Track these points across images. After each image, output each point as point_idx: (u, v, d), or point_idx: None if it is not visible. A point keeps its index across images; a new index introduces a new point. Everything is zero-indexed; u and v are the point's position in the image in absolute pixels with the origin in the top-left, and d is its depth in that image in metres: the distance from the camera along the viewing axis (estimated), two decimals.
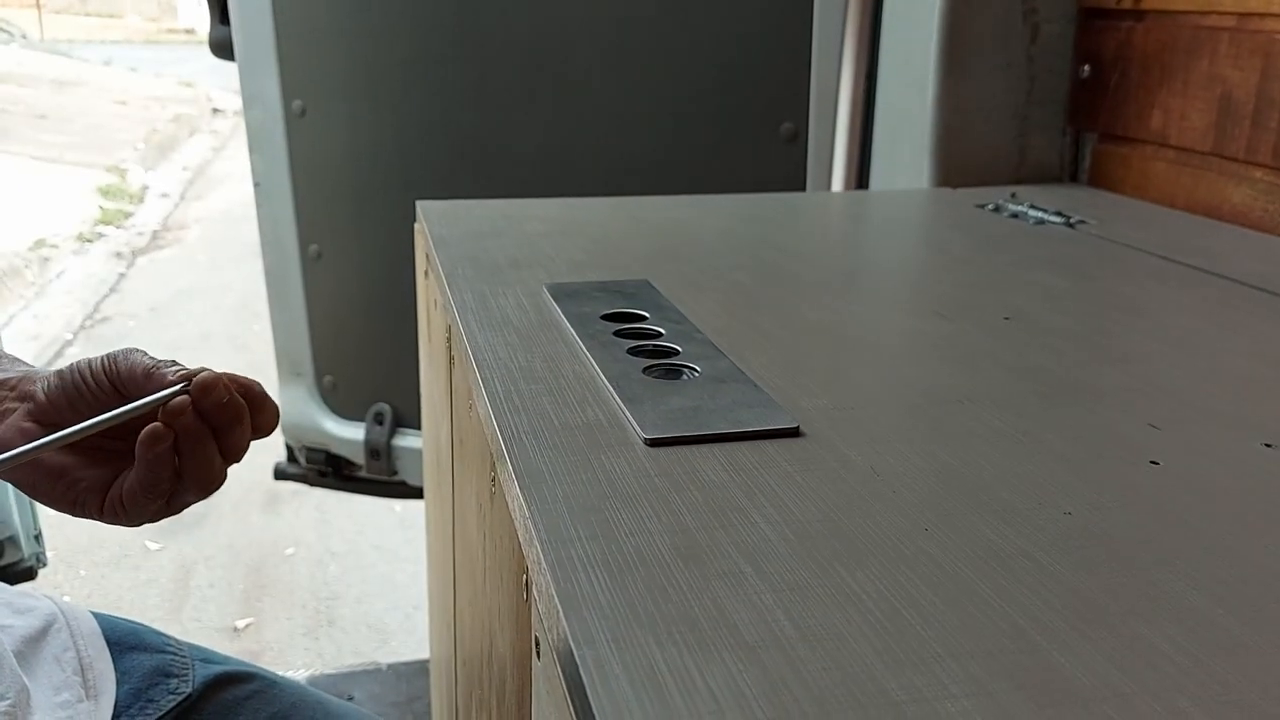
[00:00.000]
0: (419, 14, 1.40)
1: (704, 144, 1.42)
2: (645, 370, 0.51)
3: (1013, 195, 0.99)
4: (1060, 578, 0.34)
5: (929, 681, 0.28)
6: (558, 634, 0.31)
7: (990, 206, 0.94)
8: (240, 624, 1.99)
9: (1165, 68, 0.95)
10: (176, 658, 0.70)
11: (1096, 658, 0.29)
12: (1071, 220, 0.88)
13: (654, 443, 0.43)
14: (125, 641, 0.70)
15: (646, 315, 0.59)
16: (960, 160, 1.07)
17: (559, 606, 0.31)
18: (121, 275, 4.29)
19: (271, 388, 1.60)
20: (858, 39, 1.23)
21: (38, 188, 5.11)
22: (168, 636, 0.72)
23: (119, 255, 4.54)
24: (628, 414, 0.45)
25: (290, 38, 1.44)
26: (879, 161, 1.21)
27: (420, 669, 1.37)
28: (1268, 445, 0.45)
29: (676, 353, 0.53)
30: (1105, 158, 1.04)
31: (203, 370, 0.51)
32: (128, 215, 5.24)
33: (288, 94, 1.46)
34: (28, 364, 0.56)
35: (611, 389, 0.48)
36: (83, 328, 3.65)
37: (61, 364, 0.55)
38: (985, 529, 0.37)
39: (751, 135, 1.40)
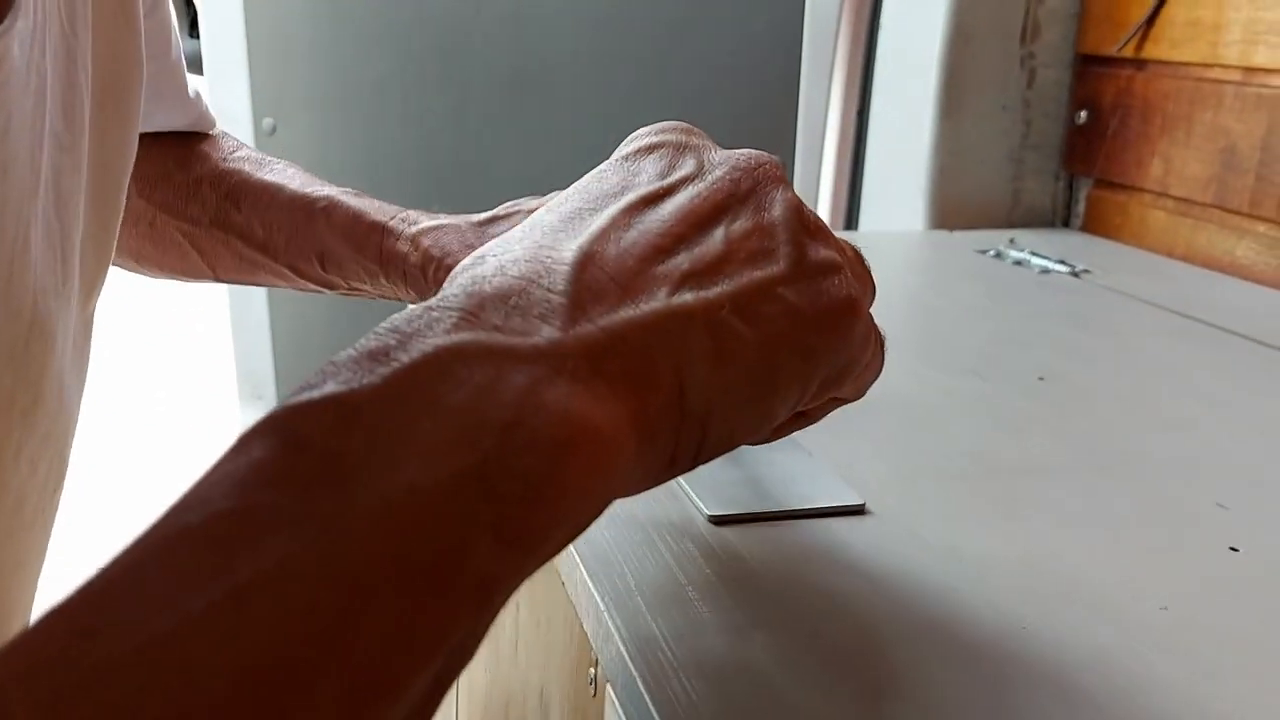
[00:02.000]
0: (394, 32, 1.37)
1: None
2: None
3: (1011, 241, 0.98)
4: (1176, 685, 0.32)
5: None
6: None
7: (991, 253, 0.94)
8: None
9: (1167, 117, 0.95)
10: None
11: None
12: (1076, 269, 0.87)
13: (719, 521, 0.41)
14: None
15: None
16: (954, 202, 1.06)
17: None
18: None
19: (232, 410, 1.54)
20: (847, 76, 1.22)
21: None
22: None
23: None
24: (684, 488, 0.43)
25: (262, 54, 1.40)
26: (870, 200, 1.20)
27: None
28: None
29: None
30: (1101, 204, 1.04)
31: None
32: None
33: (258, 111, 1.42)
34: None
35: None
36: None
37: None
38: (1085, 625, 0.35)
39: None
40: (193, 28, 1.47)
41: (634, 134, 0.33)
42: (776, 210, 0.30)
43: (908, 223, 1.10)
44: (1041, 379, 0.60)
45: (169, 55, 0.54)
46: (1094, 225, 1.05)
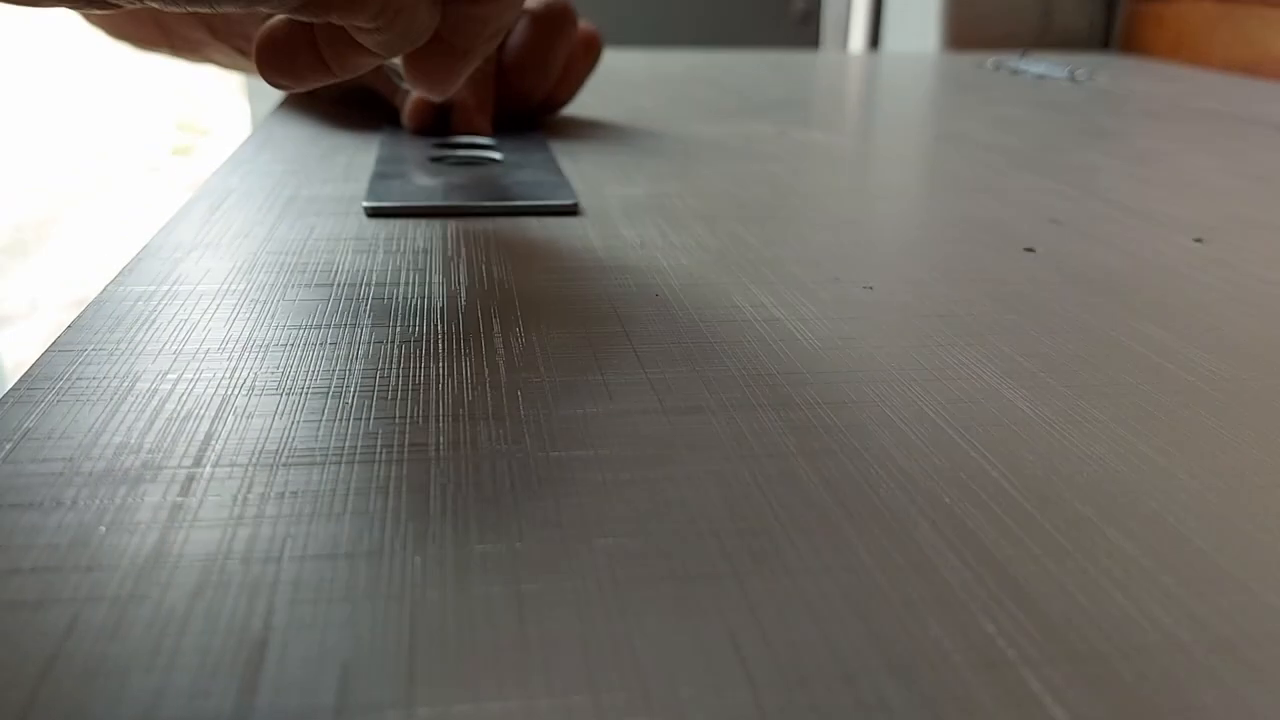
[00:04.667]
0: None
1: (716, 25, 1.31)
2: (433, 159, 0.41)
3: (1021, 55, 0.86)
4: (817, 352, 0.24)
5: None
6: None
7: (991, 65, 0.82)
8: None
9: None
10: None
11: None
12: (1075, 74, 0.76)
13: (373, 212, 0.34)
14: None
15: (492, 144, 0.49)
16: (972, 24, 0.95)
17: None
18: None
19: None
20: None
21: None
22: None
23: None
24: (369, 188, 0.36)
25: None
26: (890, 32, 1.08)
27: None
28: (1198, 240, 0.34)
29: (489, 147, 0.44)
30: (1138, 20, 0.91)
31: None
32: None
33: None
34: None
35: (376, 169, 0.39)
36: None
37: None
38: (739, 296, 0.27)
39: (763, 16, 1.28)
40: None
41: None
42: None
43: (927, 45, 0.98)
44: (938, 138, 0.50)
45: None
46: (1132, 44, 0.92)
